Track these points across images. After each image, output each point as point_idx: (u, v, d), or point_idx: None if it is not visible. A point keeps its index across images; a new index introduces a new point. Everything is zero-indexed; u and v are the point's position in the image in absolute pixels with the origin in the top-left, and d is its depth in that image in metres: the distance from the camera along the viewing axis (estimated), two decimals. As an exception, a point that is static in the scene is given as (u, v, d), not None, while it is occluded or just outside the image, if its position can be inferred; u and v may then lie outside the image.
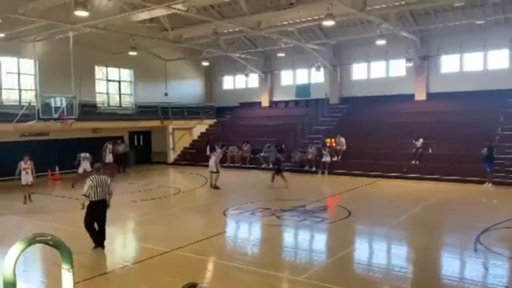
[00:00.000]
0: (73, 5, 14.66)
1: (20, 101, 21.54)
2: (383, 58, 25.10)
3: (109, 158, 20.96)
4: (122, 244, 10.85)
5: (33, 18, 17.30)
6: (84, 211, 9.08)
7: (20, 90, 22.06)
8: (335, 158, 21.27)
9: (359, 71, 26.62)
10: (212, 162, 17.10)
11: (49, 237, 1.90)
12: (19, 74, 22.06)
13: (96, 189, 8.93)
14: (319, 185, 19.11)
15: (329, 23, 16.71)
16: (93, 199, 8.93)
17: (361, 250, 9.53)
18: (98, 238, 9.13)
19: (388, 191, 16.90)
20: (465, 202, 14.59)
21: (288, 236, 10.96)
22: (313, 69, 26.65)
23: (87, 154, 18.26)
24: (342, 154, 21.55)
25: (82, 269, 7.27)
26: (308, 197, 14.90)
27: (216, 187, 16.94)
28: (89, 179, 9.12)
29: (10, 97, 21.76)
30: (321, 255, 9.37)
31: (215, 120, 30.41)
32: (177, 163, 26.91)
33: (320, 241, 10.74)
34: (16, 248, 1.85)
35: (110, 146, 21.26)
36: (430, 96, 23.84)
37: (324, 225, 11.59)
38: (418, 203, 13.90)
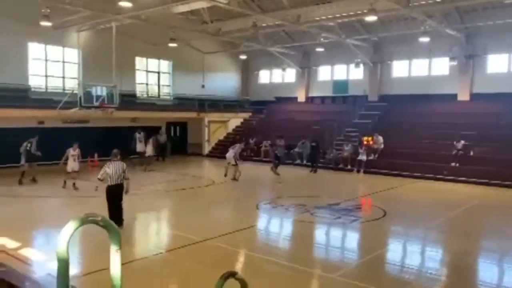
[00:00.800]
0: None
1: (63, 89, 22.27)
2: (426, 56, 24.34)
3: (139, 147, 21.31)
4: (156, 232, 11.08)
5: (78, 8, 17.81)
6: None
7: (64, 78, 22.81)
8: (371, 157, 20.87)
9: (400, 68, 25.97)
10: (230, 155, 17.44)
11: (100, 218, 1.93)
12: (63, 62, 22.80)
13: (112, 174, 9.53)
14: (354, 184, 18.80)
15: (371, 18, 16.42)
16: (110, 183, 9.55)
17: (395, 251, 9.32)
18: (115, 218, 9.49)
19: (426, 192, 16.42)
20: (508, 207, 13.96)
21: (321, 233, 10.84)
22: (351, 65, 26.22)
23: (150, 139, 21.23)
24: (379, 153, 21.12)
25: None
26: (343, 195, 14.68)
27: (234, 179, 17.20)
28: (106, 164, 9.76)
29: (54, 84, 22.50)
30: (355, 254, 9.22)
31: (250, 114, 30.48)
32: (211, 155, 27.16)
33: (354, 239, 10.56)
34: (70, 226, 1.88)
35: (139, 135, 21.56)
36: (474, 96, 22.98)
37: (358, 224, 11.39)
38: (456, 206, 13.46)
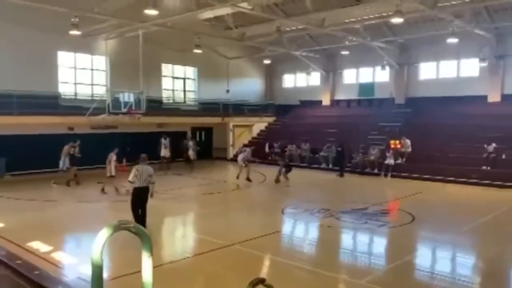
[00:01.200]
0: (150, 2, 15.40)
1: (92, 96, 22.79)
2: (454, 57, 23.79)
3: (163, 152, 21.53)
4: (183, 235, 11.19)
5: (106, 17, 18.24)
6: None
7: (92, 85, 23.34)
8: (399, 161, 20.49)
9: (427, 70, 25.47)
10: (240, 158, 18.40)
11: (132, 225, 1.98)
12: (92, 70, 23.34)
13: (140, 177, 9.97)
14: (382, 188, 18.45)
15: (397, 20, 16.09)
16: (137, 186, 9.99)
17: (425, 257, 9.12)
18: (139, 220, 9.77)
19: (456, 197, 16.03)
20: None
21: (347, 239, 10.71)
22: (378, 68, 25.91)
23: (191, 142, 22.60)
24: (407, 156, 20.73)
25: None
26: (370, 199, 14.43)
27: (248, 179, 17.69)
28: (134, 168, 10.15)
29: (83, 91, 23.03)
30: (383, 260, 9.08)
31: (274, 118, 30.48)
32: (236, 159, 27.17)
33: (382, 245, 10.40)
34: (103, 233, 1.93)
35: (164, 141, 21.81)
36: (505, 97, 22.31)
37: (386, 229, 11.21)
38: (488, 211, 13.05)
